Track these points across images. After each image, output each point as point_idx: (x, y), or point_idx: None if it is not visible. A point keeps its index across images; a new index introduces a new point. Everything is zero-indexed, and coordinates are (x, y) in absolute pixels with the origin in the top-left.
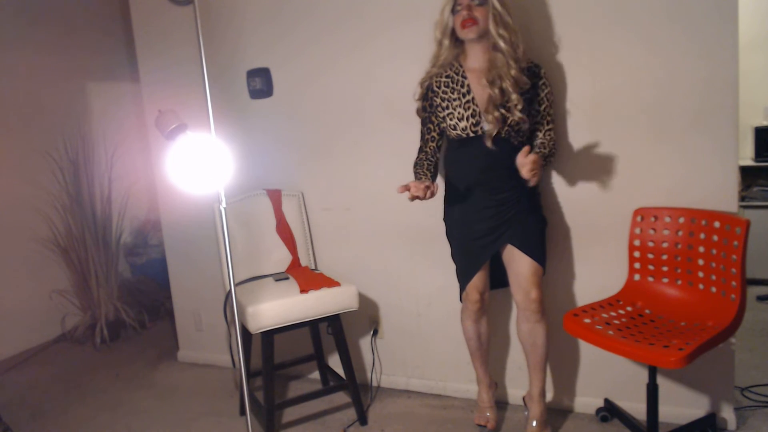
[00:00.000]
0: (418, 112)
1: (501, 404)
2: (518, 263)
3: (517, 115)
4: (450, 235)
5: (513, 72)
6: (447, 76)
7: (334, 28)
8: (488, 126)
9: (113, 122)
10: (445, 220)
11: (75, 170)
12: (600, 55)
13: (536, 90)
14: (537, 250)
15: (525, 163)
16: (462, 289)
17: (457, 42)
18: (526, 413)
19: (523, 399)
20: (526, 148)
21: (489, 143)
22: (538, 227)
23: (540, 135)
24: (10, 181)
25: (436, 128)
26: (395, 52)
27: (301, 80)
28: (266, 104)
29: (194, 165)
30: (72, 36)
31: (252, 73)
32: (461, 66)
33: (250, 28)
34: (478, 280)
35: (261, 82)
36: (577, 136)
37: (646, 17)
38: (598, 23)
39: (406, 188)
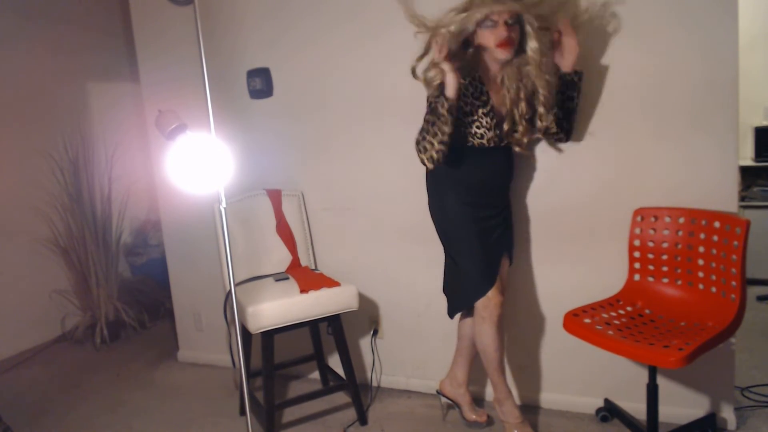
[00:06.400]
0: (434, 104)
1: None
2: (502, 267)
3: (546, 123)
4: (459, 233)
5: (546, 78)
6: (463, 78)
7: (334, 28)
8: (515, 140)
9: (113, 122)
10: (447, 222)
11: (75, 170)
12: (600, 54)
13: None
14: (512, 252)
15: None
16: (479, 296)
17: (464, 48)
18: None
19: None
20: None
21: (520, 149)
22: (512, 230)
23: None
24: (10, 181)
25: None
26: (395, 51)
27: (301, 80)
28: (266, 104)
29: (194, 165)
30: (72, 36)
31: (252, 73)
32: (477, 73)
33: (250, 28)
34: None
35: (261, 82)
36: (577, 136)
37: (647, 17)
38: (598, 22)
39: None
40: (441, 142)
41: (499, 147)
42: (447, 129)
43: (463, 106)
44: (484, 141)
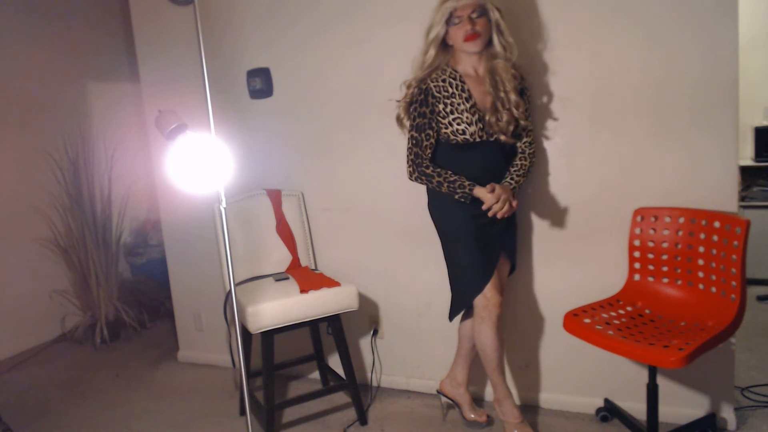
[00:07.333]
0: (416, 119)
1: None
2: (501, 269)
3: (516, 113)
4: (458, 233)
5: (513, 72)
6: (443, 80)
7: (334, 27)
8: (499, 129)
9: (113, 122)
10: (446, 223)
11: (75, 170)
12: (600, 54)
13: (523, 93)
14: (514, 257)
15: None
16: (476, 293)
17: (445, 48)
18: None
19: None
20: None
21: (504, 141)
22: (516, 234)
23: (520, 146)
24: (10, 181)
25: (434, 135)
26: (395, 50)
27: (301, 80)
28: (266, 104)
29: (194, 165)
30: (72, 36)
31: (252, 73)
32: (456, 71)
33: (250, 27)
34: (495, 277)
35: (261, 82)
36: (577, 135)
37: (647, 16)
38: (599, 22)
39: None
40: (429, 185)
41: (488, 142)
42: (443, 191)
43: (443, 108)
44: (467, 136)
